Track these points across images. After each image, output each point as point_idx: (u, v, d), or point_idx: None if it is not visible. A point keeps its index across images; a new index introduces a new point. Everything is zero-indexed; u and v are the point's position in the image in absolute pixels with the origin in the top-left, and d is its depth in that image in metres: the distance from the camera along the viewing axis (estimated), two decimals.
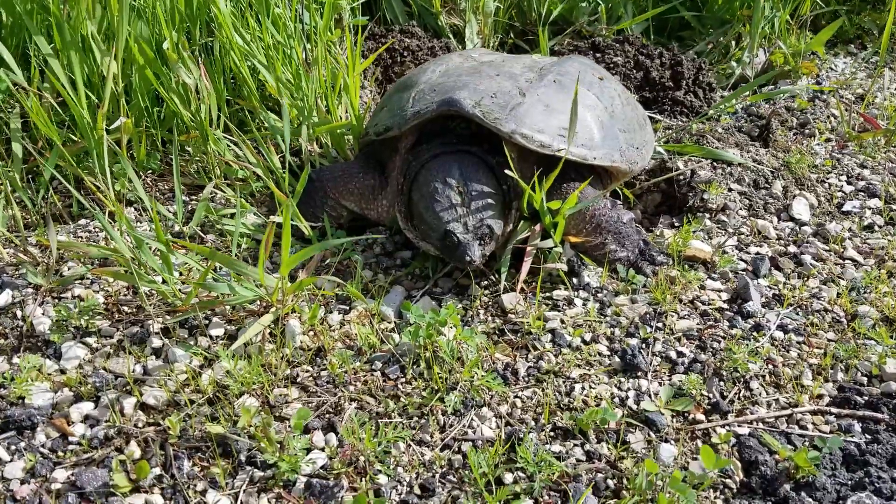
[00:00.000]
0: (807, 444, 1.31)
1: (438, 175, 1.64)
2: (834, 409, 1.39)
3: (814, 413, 1.39)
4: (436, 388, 1.39)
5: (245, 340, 1.43)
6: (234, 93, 2.17)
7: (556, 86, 1.77)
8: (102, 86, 1.82)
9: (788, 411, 1.38)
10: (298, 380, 1.42)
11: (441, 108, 1.65)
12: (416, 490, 1.23)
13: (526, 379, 1.44)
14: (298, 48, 2.03)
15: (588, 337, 1.53)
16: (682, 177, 1.99)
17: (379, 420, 1.33)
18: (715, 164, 2.10)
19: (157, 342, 1.50)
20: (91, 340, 1.50)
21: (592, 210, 1.67)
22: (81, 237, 1.80)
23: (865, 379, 1.48)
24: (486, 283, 1.68)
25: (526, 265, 1.63)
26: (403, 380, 1.42)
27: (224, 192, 1.88)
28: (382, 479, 1.23)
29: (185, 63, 1.81)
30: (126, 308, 1.59)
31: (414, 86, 1.79)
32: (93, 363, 1.45)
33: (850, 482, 1.22)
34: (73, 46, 1.79)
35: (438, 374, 1.40)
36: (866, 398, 1.42)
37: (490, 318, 1.59)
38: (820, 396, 1.43)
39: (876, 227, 1.95)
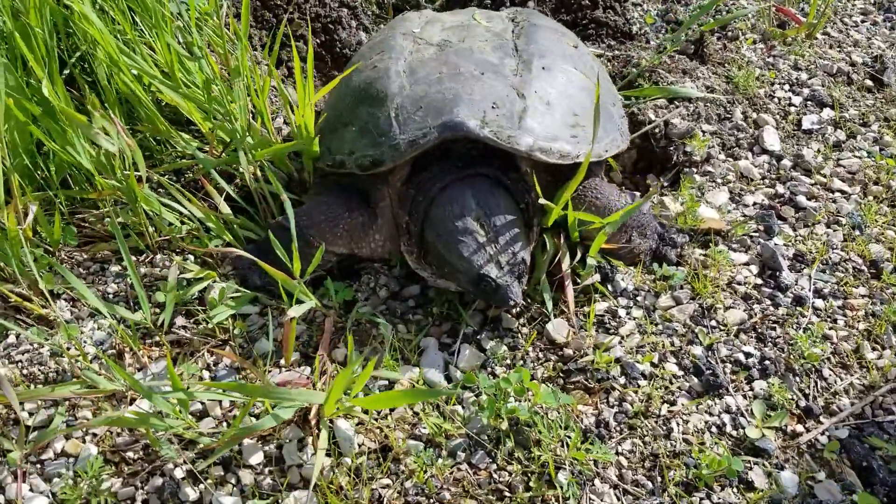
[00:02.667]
0: None
1: (455, 210, 1.43)
2: None
3: (892, 392, 1.41)
4: (538, 471, 1.26)
5: (316, 478, 1.22)
6: (128, 118, 1.77)
7: (545, 73, 1.57)
8: None
9: (871, 398, 1.39)
10: (385, 501, 1.24)
11: (445, 135, 1.42)
12: None
13: (619, 429, 1.34)
14: (210, 57, 1.66)
15: (655, 358, 1.44)
16: (656, 129, 1.88)
17: None
18: (674, 101, 2.00)
19: (191, 494, 1.25)
20: None
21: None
22: (20, 361, 1.45)
23: None
24: (516, 311, 1.53)
25: (569, 289, 1.49)
26: (495, 466, 1.29)
27: (187, 268, 1.55)
28: None
29: (97, 122, 1.42)
30: (130, 453, 1.31)
31: (385, 99, 1.51)
32: None
33: None
34: None
35: (539, 455, 1.27)
36: None
37: (542, 355, 1.46)
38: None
39: (842, 146, 1.96)
